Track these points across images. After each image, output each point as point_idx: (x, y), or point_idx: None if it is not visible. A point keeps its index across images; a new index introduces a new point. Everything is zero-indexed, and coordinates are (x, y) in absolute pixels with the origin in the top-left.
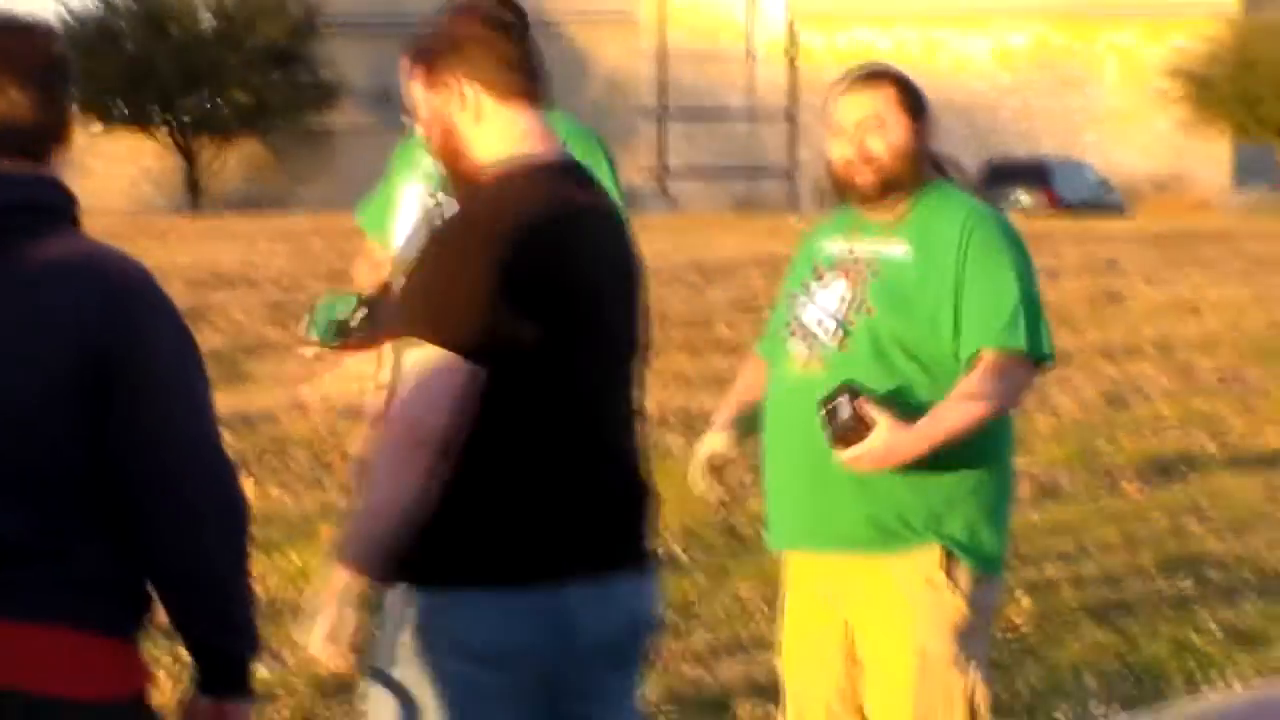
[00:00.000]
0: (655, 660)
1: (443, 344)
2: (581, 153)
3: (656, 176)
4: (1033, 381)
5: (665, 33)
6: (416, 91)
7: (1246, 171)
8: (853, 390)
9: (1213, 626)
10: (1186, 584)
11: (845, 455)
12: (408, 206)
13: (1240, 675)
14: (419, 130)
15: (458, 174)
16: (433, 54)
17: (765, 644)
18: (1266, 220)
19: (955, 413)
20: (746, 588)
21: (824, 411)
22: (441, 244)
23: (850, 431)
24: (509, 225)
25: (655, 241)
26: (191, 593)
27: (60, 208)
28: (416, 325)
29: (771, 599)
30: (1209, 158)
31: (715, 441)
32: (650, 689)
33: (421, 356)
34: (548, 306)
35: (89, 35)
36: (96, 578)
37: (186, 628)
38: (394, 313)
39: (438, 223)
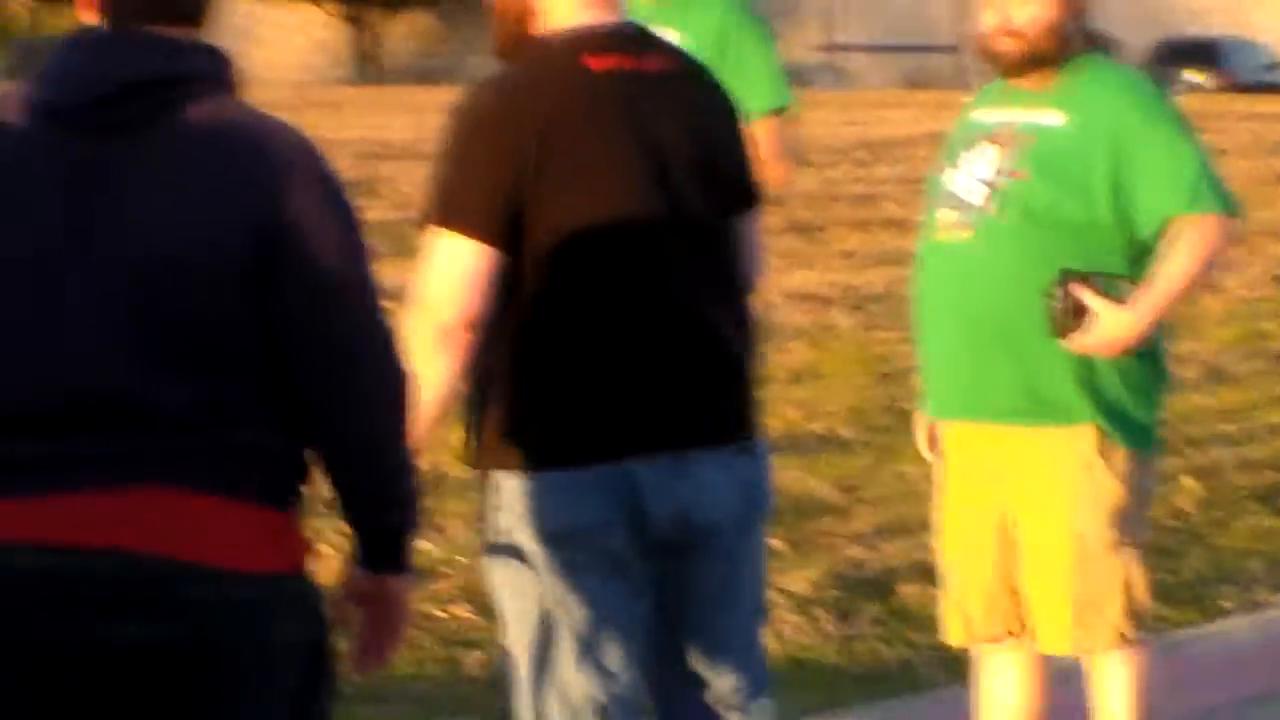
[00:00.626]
0: (818, 540)
1: (455, 230)
2: (741, 26)
3: (825, 51)
4: (1227, 241)
5: None
6: None
7: None
8: (1068, 276)
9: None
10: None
11: (1071, 344)
12: None
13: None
14: None
15: (509, 36)
16: None
17: (930, 525)
18: None
19: (1174, 280)
20: (912, 468)
21: (1045, 297)
22: (456, 128)
23: (1071, 318)
24: (521, 104)
25: (823, 119)
26: (357, 468)
27: (220, 75)
28: (432, 213)
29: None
30: None
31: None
32: (813, 569)
33: (441, 244)
34: (569, 183)
35: None
36: (258, 450)
37: (348, 501)
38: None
39: None
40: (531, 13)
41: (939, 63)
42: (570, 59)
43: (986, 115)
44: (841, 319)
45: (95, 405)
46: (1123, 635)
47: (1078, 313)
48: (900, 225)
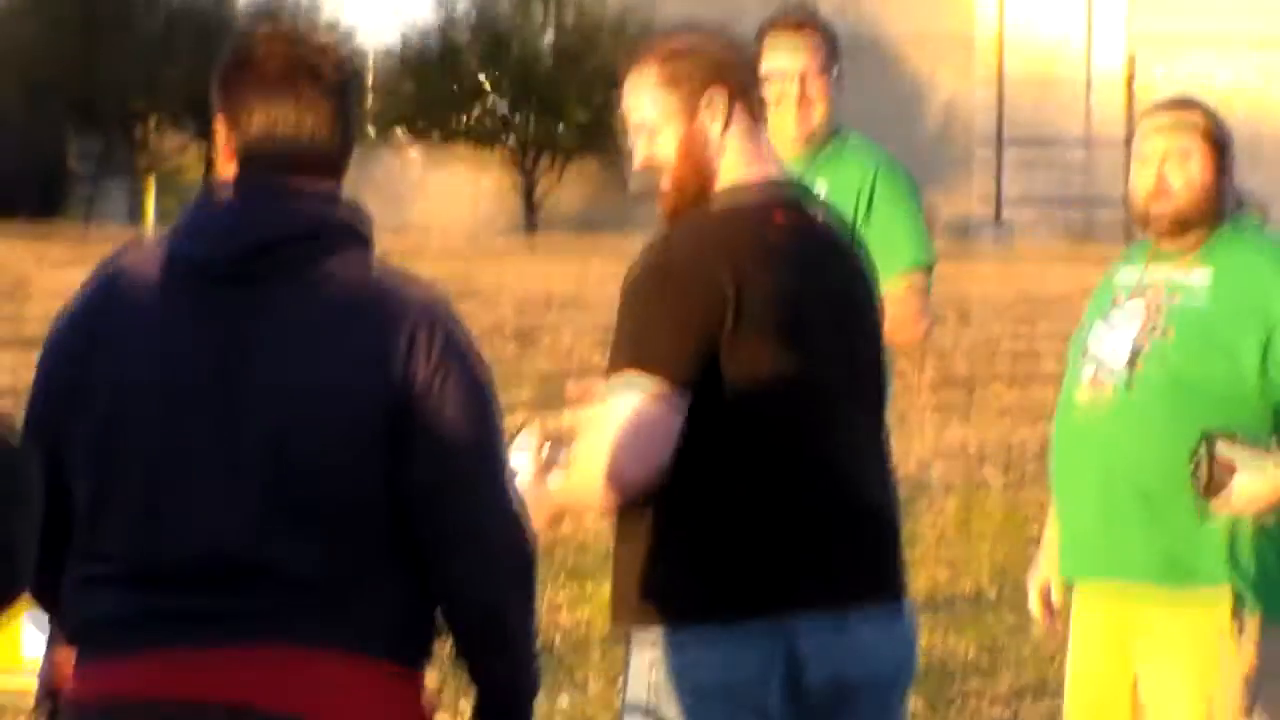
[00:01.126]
0: (959, 701)
1: (652, 373)
2: (888, 183)
3: (993, 208)
4: None
5: (1002, 60)
6: (654, 104)
7: None
8: (1212, 438)
9: None
10: None
11: (1216, 504)
12: None
13: None
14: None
15: (690, 195)
16: (689, 66)
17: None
18: None
19: None
20: (1057, 624)
21: (1191, 459)
22: (649, 279)
23: (1215, 479)
24: (720, 250)
25: (989, 275)
26: (481, 627)
27: (357, 230)
28: (623, 358)
29: None
30: None
31: (1050, 573)
32: None
33: (634, 396)
34: (760, 337)
35: (430, 55)
36: (386, 611)
37: (471, 659)
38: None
39: None
40: (713, 177)
41: (1107, 217)
42: (760, 215)
43: (1134, 274)
44: (993, 477)
45: (224, 563)
46: None
47: (1222, 473)
48: (1058, 382)
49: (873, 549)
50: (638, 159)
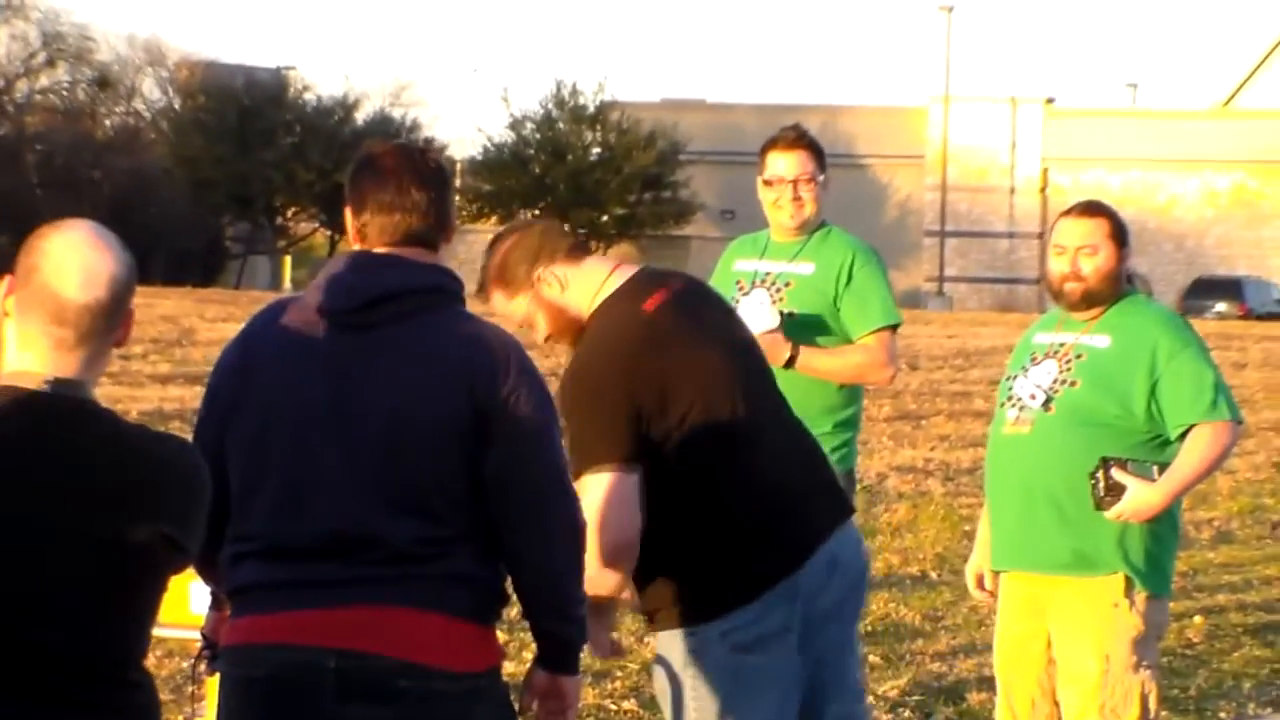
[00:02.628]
0: (907, 657)
1: (610, 463)
2: (864, 263)
3: (936, 282)
4: (1234, 443)
5: (946, 171)
6: (514, 307)
7: None
8: (1107, 462)
9: None
10: None
11: (1108, 514)
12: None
13: None
14: (534, 327)
15: (577, 335)
16: (513, 268)
17: (992, 647)
18: None
19: (1189, 471)
20: (984, 603)
21: (1090, 477)
22: (571, 389)
23: (1109, 494)
24: (611, 351)
25: (933, 333)
26: (542, 589)
27: (453, 289)
28: (583, 462)
29: None
30: None
31: (983, 560)
32: (902, 679)
33: (598, 485)
34: (675, 391)
35: (504, 160)
36: (468, 576)
37: (535, 616)
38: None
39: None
40: (579, 315)
41: (1023, 291)
42: (630, 307)
43: (1048, 336)
44: (936, 487)
45: (343, 540)
46: None
47: (1114, 490)
48: (986, 416)
49: (818, 493)
50: (540, 340)
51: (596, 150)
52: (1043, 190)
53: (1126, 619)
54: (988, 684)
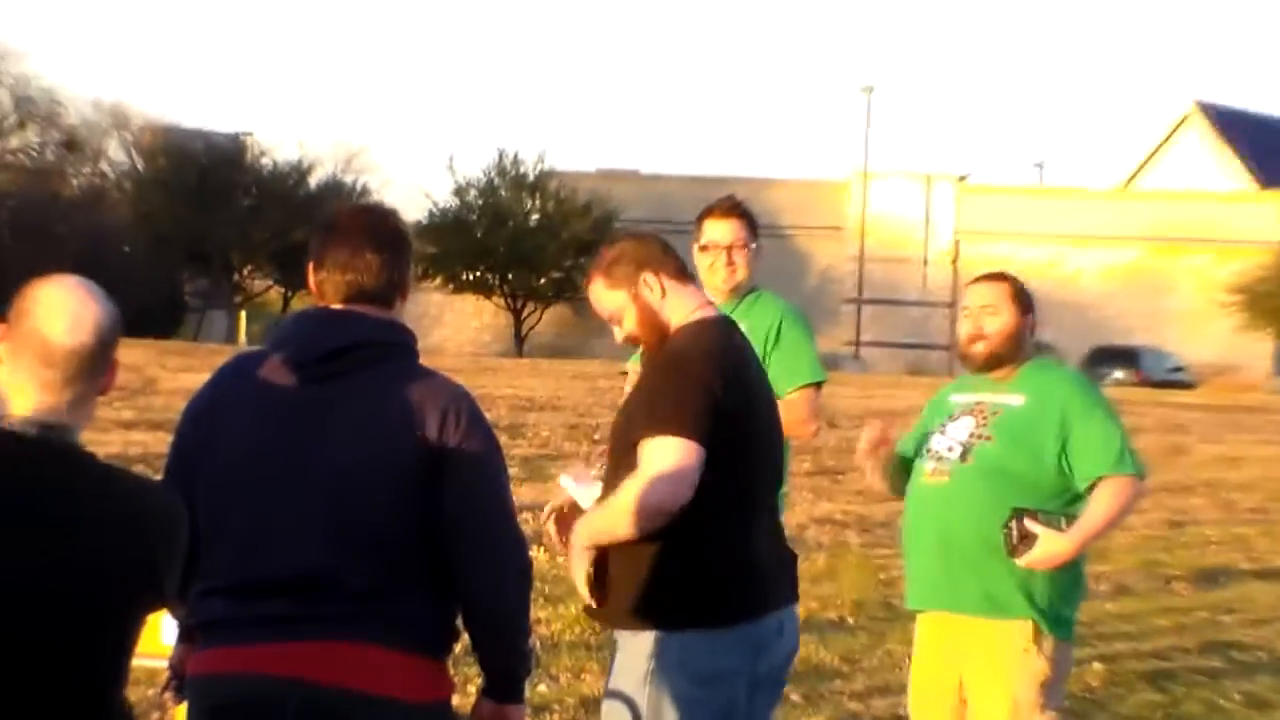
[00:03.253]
0: (826, 696)
1: (686, 436)
2: (790, 325)
3: (853, 346)
4: (1139, 497)
5: (864, 242)
6: (611, 301)
7: None
8: (1019, 512)
9: (1236, 695)
10: (1217, 662)
11: (1020, 562)
12: None
13: None
14: (619, 323)
15: (658, 343)
16: (622, 267)
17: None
18: None
19: (1096, 522)
20: (897, 646)
21: (1002, 528)
22: (666, 368)
23: (1021, 543)
24: (709, 353)
25: (850, 394)
26: (494, 629)
27: (405, 343)
28: (663, 426)
29: None
30: (1256, 352)
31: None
32: (820, 718)
33: (666, 447)
34: (740, 410)
35: (448, 223)
36: (420, 615)
37: (484, 651)
38: (638, 421)
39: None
40: (667, 326)
41: (934, 356)
42: (723, 327)
43: (962, 396)
44: (853, 538)
45: (302, 580)
46: None
47: (1025, 539)
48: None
49: (788, 568)
50: (619, 338)
51: (536, 216)
52: (954, 262)
53: (1034, 663)
54: None
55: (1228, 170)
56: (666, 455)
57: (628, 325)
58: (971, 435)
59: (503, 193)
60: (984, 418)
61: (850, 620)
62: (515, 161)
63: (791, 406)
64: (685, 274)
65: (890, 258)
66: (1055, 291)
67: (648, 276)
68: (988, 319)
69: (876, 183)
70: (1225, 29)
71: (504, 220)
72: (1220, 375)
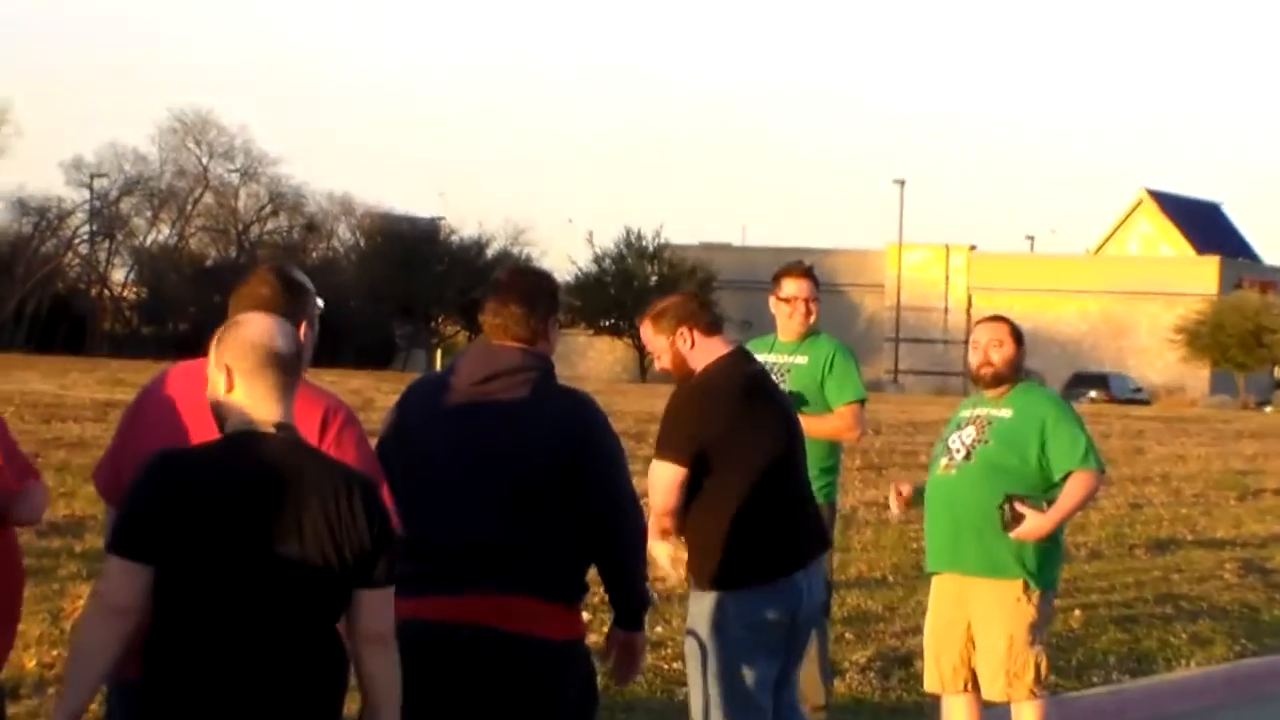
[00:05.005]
0: (871, 634)
1: (670, 460)
2: (841, 357)
3: (892, 374)
4: (1100, 486)
5: (900, 296)
6: (653, 341)
7: (1218, 386)
8: (1010, 497)
9: (1184, 634)
10: (1169, 610)
11: (1012, 535)
12: None
13: (1198, 663)
14: (660, 358)
15: (684, 377)
16: (666, 319)
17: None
18: (1227, 413)
19: (1068, 504)
20: (925, 598)
21: (998, 509)
22: (674, 403)
23: (1012, 520)
24: (710, 390)
25: (890, 409)
26: (617, 571)
27: (543, 367)
28: (660, 450)
29: None
30: (1197, 377)
31: (905, 488)
32: (868, 650)
33: (654, 471)
34: (756, 422)
35: (589, 283)
36: (561, 571)
37: (614, 592)
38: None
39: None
40: (692, 367)
41: (954, 381)
42: (734, 366)
43: (970, 410)
44: (893, 517)
45: (469, 546)
46: (1033, 692)
47: (1016, 518)
48: (926, 467)
49: (813, 529)
50: (659, 365)
51: (654, 278)
52: (968, 310)
53: (1025, 610)
54: None
55: (1171, 240)
56: (655, 474)
57: (663, 361)
58: (974, 440)
59: (629, 260)
60: (983, 426)
61: (890, 578)
62: (638, 236)
63: (841, 417)
64: (716, 326)
65: (919, 307)
66: (1044, 331)
67: (684, 330)
68: (994, 350)
69: (908, 252)
70: (1168, 129)
71: (630, 281)
72: (1170, 394)
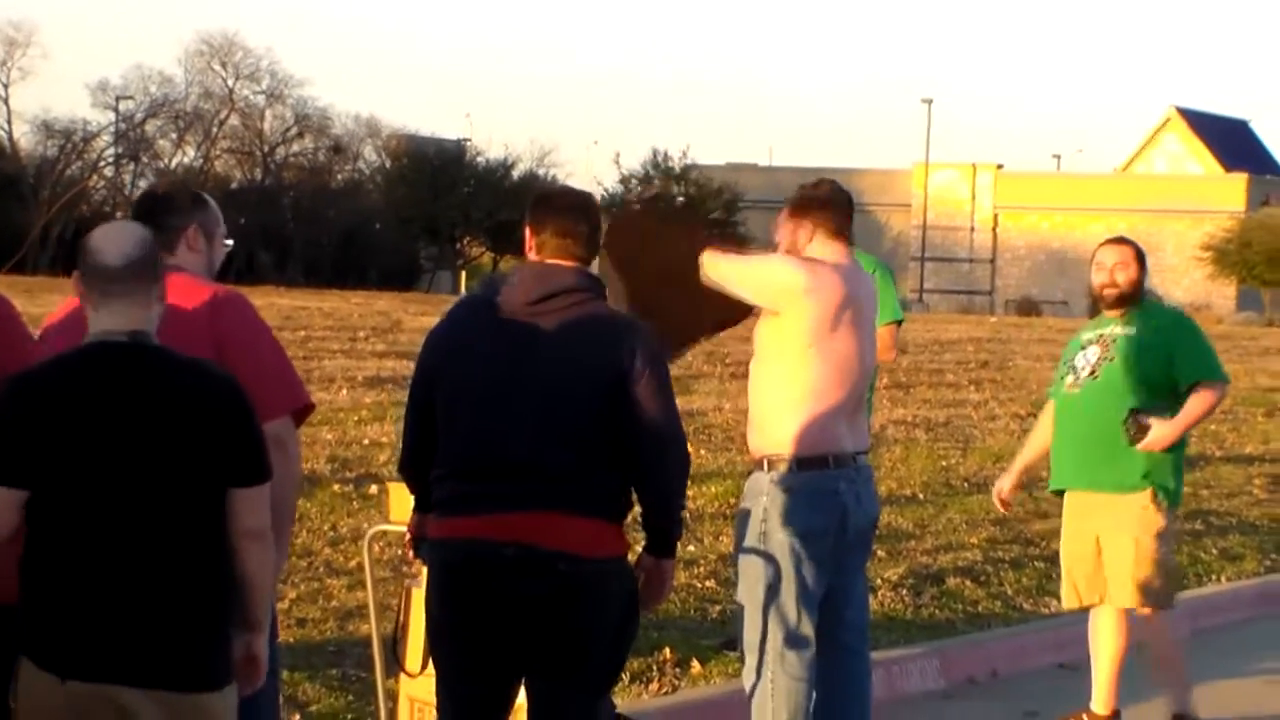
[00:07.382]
0: (903, 552)
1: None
2: (878, 273)
3: (918, 293)
4: (1225, 397)
5: (926, 215)
6: (787, 226)
7: (1244, 303)
8: (1135, 411)
9: (1214, 550)
10: (1198, 525)
11: (1138, 446)
12: None
13: (1228, 578)
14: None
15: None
16: (799, 207)
17: (966, 545)
18: (1254, 330)
19: (1194, 413)
20: (955, 514)
21: (1123, 423)
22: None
23: (1138, 433)
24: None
25: (915, 328)
26: (659, 502)
27: (599, 291)
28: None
29: (972, 523)
30: (1223, 294)
31: (1005, 482)
32: (900, 567)
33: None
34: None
35: (616, 205)
36: (606, 491)
37: (650, 517)
38: None
39: None
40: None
41: (979, 300)
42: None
43: (1093, 331)
44: (920, 435)
45: (515, 465)
46: (1160, 600)
47: (1141, 429)
48: (954, 386)
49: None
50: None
51: (681, 199)
52: (994, 229)
53: (1153, 517)
54: (961, 571)
55: (1199, 158)
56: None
57: (784, 246)
58: (1100, 358)
59: (655, 181)
60: (1108, 344)
61: (920, 496)
62: (665, 157)
63: (879, 339)
64: (839, 230)
65: (945, 226)
66: (1070, 250)
67: (808, 226)
68: (1119, 271)
69: (935, 171)
70: (1199, 45)
71: (658, 197)
72: (1197, 312)
